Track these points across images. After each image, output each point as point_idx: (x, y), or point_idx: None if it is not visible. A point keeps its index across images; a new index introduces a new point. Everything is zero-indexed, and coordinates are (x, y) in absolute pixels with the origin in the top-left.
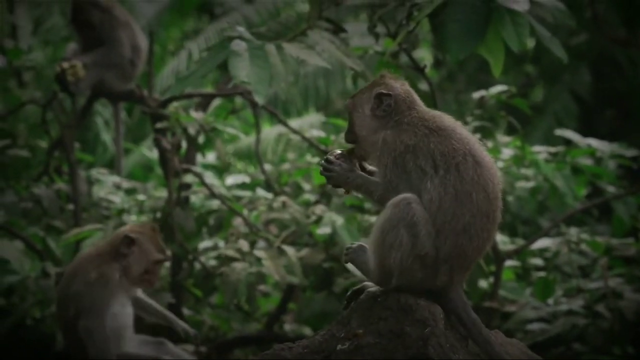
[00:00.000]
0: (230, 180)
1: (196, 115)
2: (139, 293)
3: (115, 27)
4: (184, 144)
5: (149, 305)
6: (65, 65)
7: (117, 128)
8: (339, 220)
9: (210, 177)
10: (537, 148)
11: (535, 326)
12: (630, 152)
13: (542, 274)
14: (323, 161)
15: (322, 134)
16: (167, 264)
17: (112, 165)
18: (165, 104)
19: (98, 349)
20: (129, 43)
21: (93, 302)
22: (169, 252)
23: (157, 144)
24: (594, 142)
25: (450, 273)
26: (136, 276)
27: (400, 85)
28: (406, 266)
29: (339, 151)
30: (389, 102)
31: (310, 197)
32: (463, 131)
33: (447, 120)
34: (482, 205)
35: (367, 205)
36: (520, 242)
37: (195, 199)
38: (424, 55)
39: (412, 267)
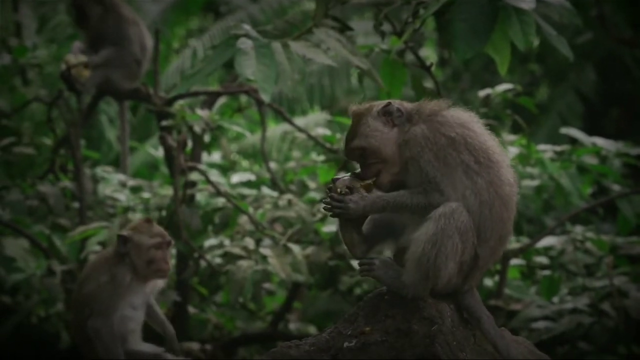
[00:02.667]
0: (235, 178)
1: (202, 113)
2: (152, 300)
3: (124, 25)
4: (189, 142)
5: (155, 312)
6: (71, 58)
7: (122, 126)
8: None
9: (215, 175)
10: (542, 147)
11: (540, 325)
12: (636, 151)
13: (547, 272)
14: (329, 199)
15: (327, 132)
16: (173, 261)
17: (117, 163)
18: (170, 102)
19: (105, 348)
20: (138, 41)
21: (103, 303)
22: (168, 238)
23: (163, 142)
24: (599, 141)
25: (480, 277)
26: (144, 270)
27: (381, 101)
28: (453, 274)
29: (345, 177)
30: (395, 108)
31: (316, 195)
32: (480, 123)
33: (462, 111)
34: (514, 209)
35: None
36: (525, 240)
37: (200, 197)
38: (429, 54)
39: (453, 274)
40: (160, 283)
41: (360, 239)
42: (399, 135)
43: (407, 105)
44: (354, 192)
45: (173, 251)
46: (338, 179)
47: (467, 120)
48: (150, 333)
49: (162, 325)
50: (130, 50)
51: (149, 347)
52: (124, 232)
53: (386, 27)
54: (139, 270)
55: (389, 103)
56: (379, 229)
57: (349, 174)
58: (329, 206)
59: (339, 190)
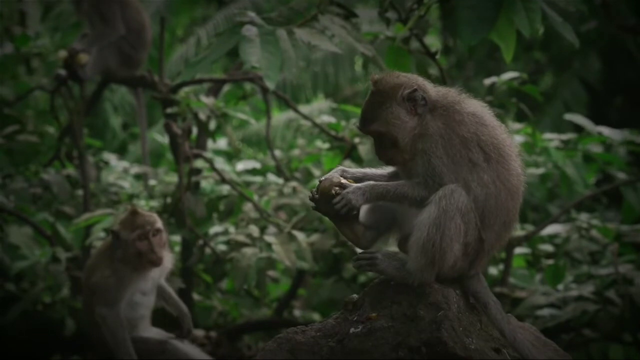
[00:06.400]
0: (240, 165)
1: (207, 100)
2: (163, 281)
3: (102, 6)
4: (194, 130)
5: (168, 293)
6: (63, 54)
7: (140, 114)
8: None
9: (220, 163)
10: (547, 135)
11: (545, 312)
12: None
13: (552, 260)
14: (338, 197)
15: (332, 119)
16: (178, 249)
17: (121, 151)
18: (176, 89)
19: (113, 335)
20: (121, 19)
21: (109, 293)
22: (156, 224)
23: (168, 129)
24: (604, 129)
25: (486, 262)
26: (136, 262)
27: (404, 77)
28: (458, 256)
29: (330, 177)
30: (420, 95)
31: None
32: (492, 115)
33: (476, 103)
34: (520, 198)
35: None
36: (530, 228)
37: (205, 184)
38: (433, 42)
39: (459, 257)
40: (168, 265)
41: (363, 230)
42: (417, 124)
43: (430, 91)
44: (346, 188)
45: (177, 239)
46: (323, 180)
47: (481, 115)
48: (159, 319)
49: (176, 305)
50: (114, 30)
51: (157, 334)
52: (114, 227)
53: (391, 14)
54: (132, 263)
55: (415, 90)
56: (383, 219)
57: (333, 172)
58: (316, 206)
59: (332, 192)
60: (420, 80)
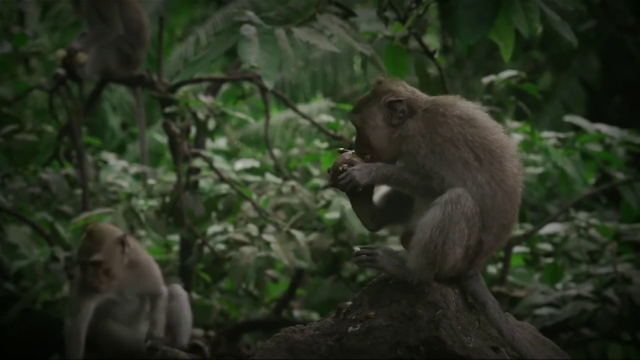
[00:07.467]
0: (239, 165)
1: (205, 100)
2: (147, 300)
3: (102, 5)
4: (193, 129)
5: (153, 314)
6: (62, 53)
7: (138, 113)
8: (348, 205)
9: (219, 162)
10: (546, 134)
11: (544, 311)
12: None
13: (550, 259)
14: (343, 173)
15: (331, 119)
16: (176, 248)
17: (119, 150)
18: (174, 88)
19: (67, 347)
20: (120, 19)
21: (73, 304)
22: (92, 257)
23: (167, 128)
24: (603, 128)
25: (485, 263)
26: (84, 280)
27: (404, 88)
28: (459, 258)
29: (345, 154)
30: (401, 107)
31: (319, 182)
32: (485, 116)
33: (468, 105)
34: (518, 199)
35: None
36: (528, 227)
37: (204, 183)
38: (432, 41)
39: (459, 259)
40: (140, 282)
41: (374, 211)
42: (394, 130)
43: (420, 100)
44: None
45: (176, 238)
46: (343, 150)
47: (471, 116)
48: None
49: (153, 322)
50: (113, 29)
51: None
52: None
53: (389, 13)
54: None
55: (399, 101)
56: (392, 207)
57: (351, 151)
58: (331, 182)
59: (340, 168)
60: (416, 94)
